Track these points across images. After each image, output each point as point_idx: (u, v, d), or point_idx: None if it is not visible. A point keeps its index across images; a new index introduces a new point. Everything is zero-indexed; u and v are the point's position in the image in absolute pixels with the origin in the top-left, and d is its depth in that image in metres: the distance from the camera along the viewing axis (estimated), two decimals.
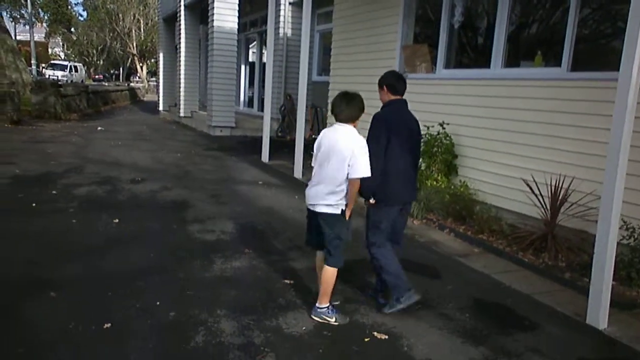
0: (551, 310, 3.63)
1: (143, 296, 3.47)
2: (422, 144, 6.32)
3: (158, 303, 3.36)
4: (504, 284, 4.08)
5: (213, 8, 12.83)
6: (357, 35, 8.40)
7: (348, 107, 3.17)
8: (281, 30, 12.97)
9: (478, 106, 6.04)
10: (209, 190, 6.90)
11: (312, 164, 3.29)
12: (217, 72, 13.07)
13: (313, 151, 3.30)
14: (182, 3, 16.00)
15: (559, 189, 4.79)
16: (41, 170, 7.62)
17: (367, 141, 3.21)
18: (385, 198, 3.39)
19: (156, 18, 29.00)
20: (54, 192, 6.35)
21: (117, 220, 5.22)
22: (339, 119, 3.19)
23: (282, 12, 12.96)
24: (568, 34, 5.04)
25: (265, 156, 9.52)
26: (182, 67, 16.33)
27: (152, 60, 43.94)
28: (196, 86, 16.86)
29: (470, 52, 7.19)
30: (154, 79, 41.08)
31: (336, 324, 3.21)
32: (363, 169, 3.09)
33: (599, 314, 3.35)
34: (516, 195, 5.42)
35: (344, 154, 3.08)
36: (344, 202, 3.17)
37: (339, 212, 3.16)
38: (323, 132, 3.30)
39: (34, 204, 5.69)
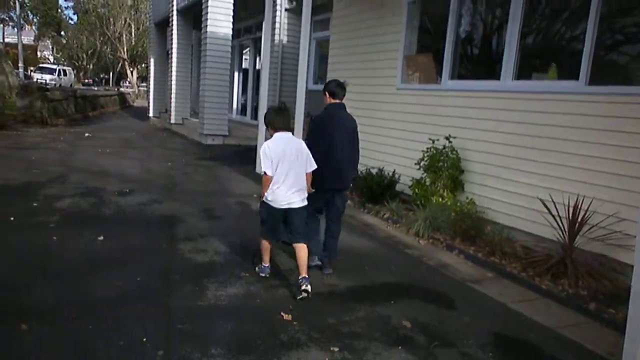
0: (580, 347, 3.30)
1: (128, 330, 3.07)
2: (426, 158, 6.14)
3: (144, 339, 2.97)
4: (525, 315, 3.74)
5: (207, 13, 12.49)
6: (357, 44, 8.08)
7: (290, 119, 3.89)
8: (276, 37, 12.65)
9: (487, 119, 5.74)
10: (201, 204, 6.50)
11: (272, 172, 3.68)
12: (209, 78, 12.71)
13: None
14: (175, 8, 15.64)
15: (578, 209, 4.48)
16: (22, 180, 7.18)
17: (308, 136, 3.96)
18: (320, 185, 4.02)
19: (147, 23, 28.56)
20: (34, 204, 5.92)
21: (101, 238, 4.81)
22: (285, 129, 3.80)
23: (277, 19, 12.64)
24: (587, 45, 4.74)
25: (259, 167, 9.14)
26: (174, 73, 15.94)
27: (143, 65, 43.38)
28: (188, 92, 16.46)
29: (478, 63, 6.88)
30: (144, 84, 40.49)
31: None
32: (314, 163, 3.84)
33: (636, 355, 3.01)
34: (528, 214, 5.11)
35: (304, 154, 3.78)
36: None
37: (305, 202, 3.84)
38: (278, 142, 3.74)
39: (12, 218, 5.27)
